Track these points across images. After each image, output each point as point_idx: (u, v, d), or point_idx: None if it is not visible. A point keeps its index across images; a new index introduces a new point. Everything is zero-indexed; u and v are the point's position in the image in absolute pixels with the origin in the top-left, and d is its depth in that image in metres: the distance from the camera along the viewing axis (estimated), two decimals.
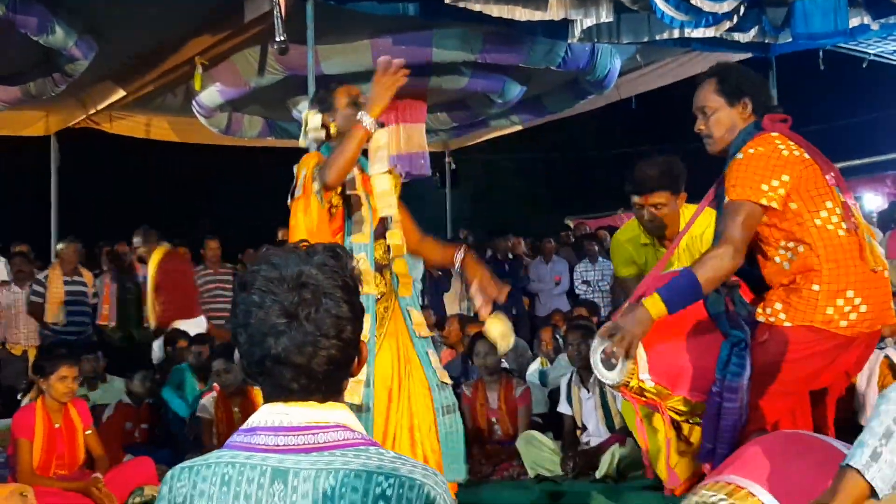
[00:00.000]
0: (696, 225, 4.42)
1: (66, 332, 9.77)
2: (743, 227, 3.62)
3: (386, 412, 4.22)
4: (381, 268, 4.32)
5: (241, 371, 6.65)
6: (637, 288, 3.99)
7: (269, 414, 1.81)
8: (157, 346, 9.25)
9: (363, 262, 4.17)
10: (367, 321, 3.77)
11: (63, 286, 9.84)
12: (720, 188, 3.82)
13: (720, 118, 3.88)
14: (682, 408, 3.84)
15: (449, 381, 4.46)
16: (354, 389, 4.05)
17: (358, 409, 4.06)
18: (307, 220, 4.15)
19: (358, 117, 4.10)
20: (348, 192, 4.27)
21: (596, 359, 3.81)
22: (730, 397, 3.62)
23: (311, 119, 4.35)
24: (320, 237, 4.07)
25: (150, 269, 9.33)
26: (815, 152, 3.79)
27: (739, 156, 3.70)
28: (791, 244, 3.67)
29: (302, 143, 4.43)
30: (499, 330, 4.52)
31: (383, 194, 4.30)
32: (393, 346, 4.30)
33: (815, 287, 3.60)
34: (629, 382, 3.75)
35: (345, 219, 4.30)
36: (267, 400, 1.84)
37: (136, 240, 9.64)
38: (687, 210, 4.79)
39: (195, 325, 9.46)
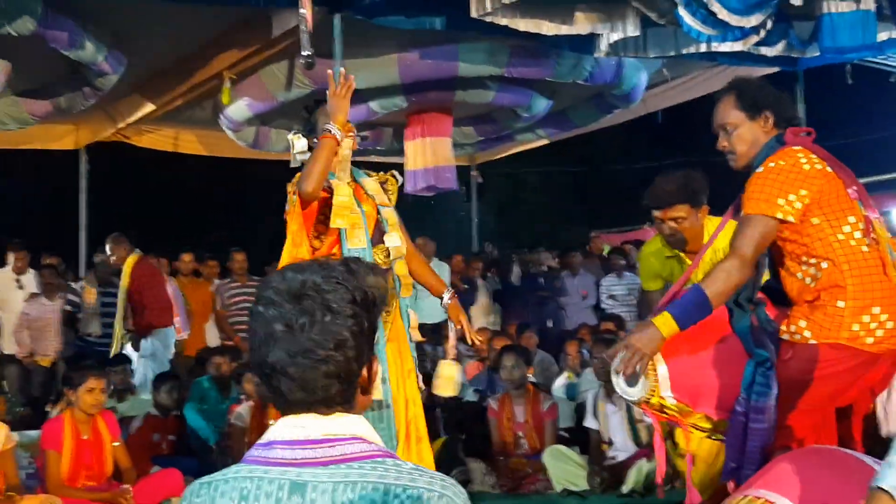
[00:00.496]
0: (720, 238, 4.42)
1: (101, 344, 9.84)
2: (755, 240, 3.60)
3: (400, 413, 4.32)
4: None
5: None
6: (660, 303, 3.98)
7: (285, 427, 1.81)
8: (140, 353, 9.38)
9: None
10: None
11: (98, 297, 9.92)
12: (741, 201, 3.81)
13: (742, 133, 3.86)
14: (705, 425, 3.83)
15: (422, 388, 4.55)
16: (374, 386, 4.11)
17: (379, 406, 4.19)
18: (289, 232, 4.34)
19: (325, 127, 4.28)
20: (338, 202, 4.33)
21: (617, 377, 3.81)
22: (756, 418, 3.59)
23: (297, 142, 4.50)
24: (299, 247, 4.29)
25: (124, 277, 9.29)
26: (838, 165, 3.76)
27: (760, 169, 3.69)
28: (813, 260, 3.65)
29: (293, 164, 4.56)
30: (453, 377, 4.60)
31: (341, 205, 4.34)
32: (395, 350, 4.38)
33: (840, 304, 3.57)
34: (650, 399, 3.74)
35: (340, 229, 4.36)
36: (278, 410, 1.84)
37: (108, 247, 9.62)
38: (711, 223, 4.78)
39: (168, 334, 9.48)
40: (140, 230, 9.94)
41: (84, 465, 6.10)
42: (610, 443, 6.75)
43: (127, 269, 9.30)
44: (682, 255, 4.91)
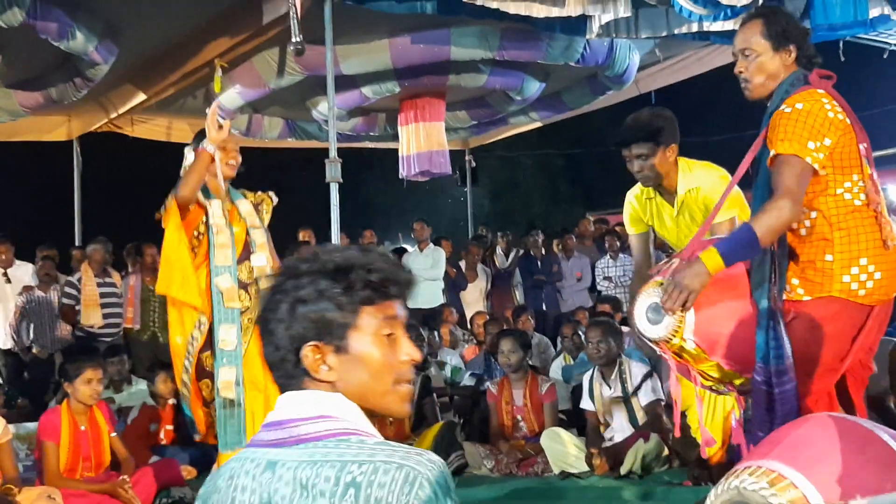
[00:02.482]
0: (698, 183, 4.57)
1: (102, 334, 9.81)
2: (797, 178, 3.52)
3: (263, 410, 4.67)
4: (245, 285, 4.99)
5: None
6: (684, 250, 3.91)
7: (273, 410, 1.91)
8: None
9: (227, 280, 4.90)
10: (234, 330, 4.85)
11: (97, 287, 9.89)
12: (765, 139, 3.71)
13: (763, 63, 3.79)
14: (714, 374, 3.78)
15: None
16: (227, 387, 4.75)
17: (231, 405, 4.76)
18: (166, 235, 4.95)
19: (202, 145, 4.97)
20: (211, 222, 4.95)
21: (641, 313, 3.73)
22: (781, 381, 3.56)
23: (188, 156, 5.19)
24: (178, 244, 4.88)
25: None
26: (854, 118, 3.72)
27: (787, 109, 3.61)
28: (805, 210, 3.63)
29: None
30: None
31: (215, 217, 4.98)
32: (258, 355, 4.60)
33: (829, 257, 3.58)
34: (671, 339, 3.67)
35: (209, 245, 4.94)
36: None
37: None
38: (697, 165, 4.81)
39: None
40: (134, 220, 9.86)
41: (82, 455, 6.09)
42: (607, 424, 6.76)
43: None
44: (659, 197, 4.96)
